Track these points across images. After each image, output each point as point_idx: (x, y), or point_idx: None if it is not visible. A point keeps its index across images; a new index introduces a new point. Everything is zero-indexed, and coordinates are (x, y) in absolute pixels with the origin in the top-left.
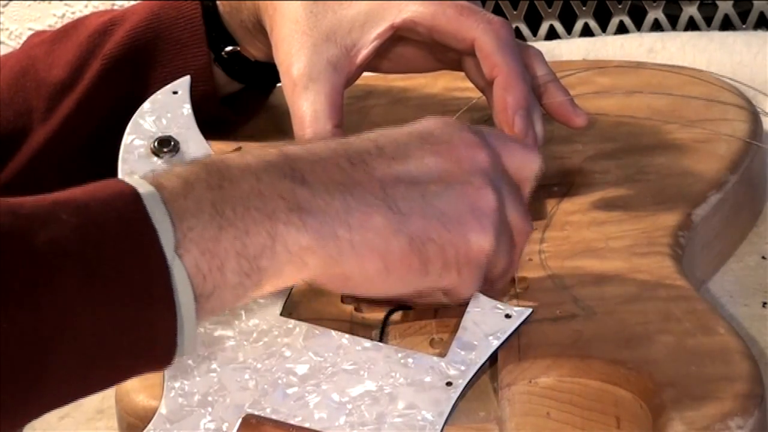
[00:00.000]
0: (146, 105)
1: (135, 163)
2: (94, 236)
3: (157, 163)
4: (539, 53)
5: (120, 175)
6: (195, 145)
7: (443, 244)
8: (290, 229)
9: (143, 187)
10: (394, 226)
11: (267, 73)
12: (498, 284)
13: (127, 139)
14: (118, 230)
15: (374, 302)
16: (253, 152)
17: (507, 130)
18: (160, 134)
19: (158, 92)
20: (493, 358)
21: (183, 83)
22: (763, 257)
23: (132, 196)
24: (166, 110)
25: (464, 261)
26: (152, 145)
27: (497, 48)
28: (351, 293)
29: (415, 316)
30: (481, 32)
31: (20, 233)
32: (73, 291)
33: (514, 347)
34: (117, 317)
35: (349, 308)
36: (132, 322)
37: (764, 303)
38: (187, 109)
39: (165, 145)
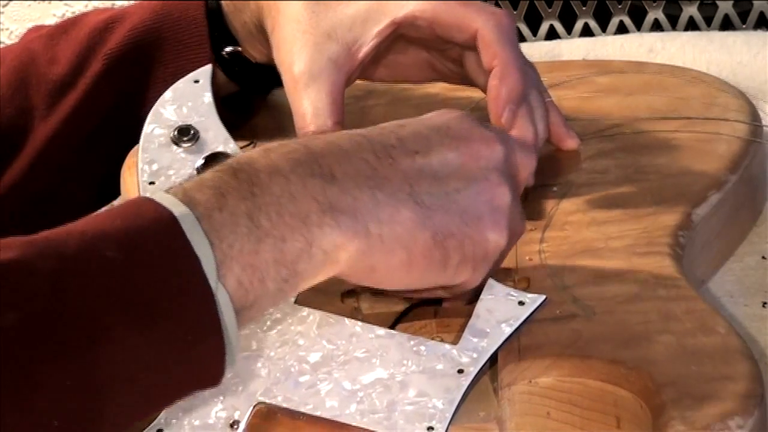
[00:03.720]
0: (168, 94)
1: (155, 152)
2: (141, 275)
3: (177, 152)
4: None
5: (140, 165)
6: (215, 133)
7: (463, 239)
8: (325, 230)
9: (177, 208)
10: (420, 220)
11: (266, 76)
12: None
13: (147, 128)
14: (163, 265)
15: (373, 299)
16: (277, 150)
17: (494, 119)
18: (180, 123)
19: (179, 81)
20: (493, 358)
21: (205, 72)
22: (763, 257)
23: (170, 222)
24: (187, 99)
25: (480, 257)
26: (172, 134)
27: (498, 38)
28: (370, 285)
29: (415, 316)
30: (483, 22)
31: (68, 277)
32: (126, 338)
33: (514, 347)
34: (168, 357)
35: (349, 308)
36: (183, 359)
37: (764, 303)
38: (208, 97)
39: (185, 134)
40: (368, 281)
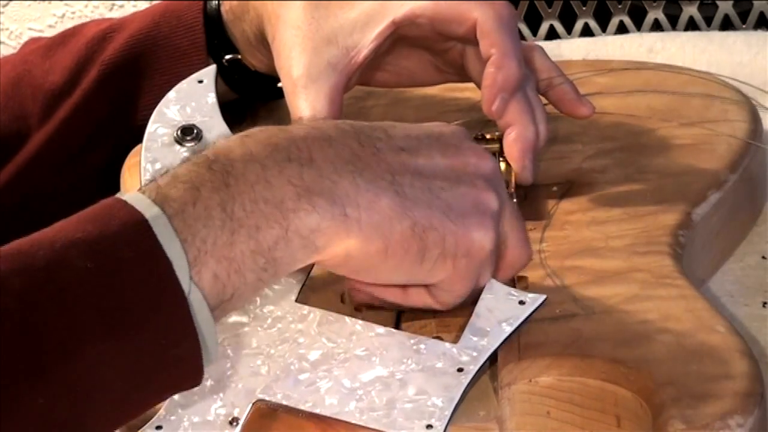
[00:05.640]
0: (171, 94)
1: (158, 151)
2: (113, 283)
3: (180, 151)
4: (541, 49)
5: (143, 164)
6: (218, 133)
7: (444, 234)
8: (300, 215)
9: (149, 210)
10: (400, 210)
11: (265, 86)
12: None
13: (151, 127)
14: (134, 271)
15: (373, 306)
16: (255, 136)
17: (486, 108)
18: (183, 123)
19: (183, 81)
20: (493, 357)
21: (209, 72)
22: (763, 257)
23: (140, 226)
24: (191, 99)
25: (462, 254)
26: (175, 134)
27: (497, 27)
28: (348, 274)
29: (415, 315)
30: (481, 12)
31: (38, 291)
32: (101, 348)
33: (514, 346)
34: (145, 363)
35: (349, 307)
36: (160, 363)
37: (764, 303)
38: (211, 97)
39: (188, 134)
40: (345, 269)
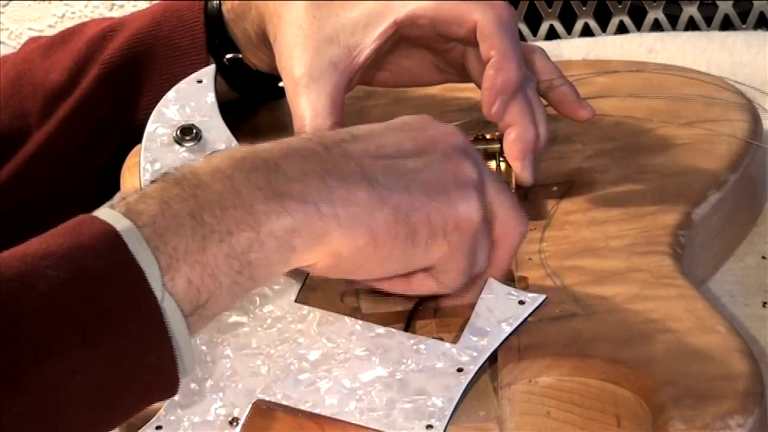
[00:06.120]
0: (170, 94)
1: (157, 151)
2: (84, 292)
3: (179, 151)
4: (542, 50)
5: (142, 164)
6: (217, 133)
7: (429, 212)
8: (271, 216)
9: (120, 223)
10: (377, 199)
11: (266, 85)
12: (474, 285)
13: (150, 127)
14: (106, 280)
15: (374, 299)
16: (221, 153)
17: (485, 110)
18: (183, 123)
19: (182, 81)
20: (493, 357)
21: (208, 72)
22: (763, 257)
23: (111, 237)
24: (190, 99)
25: (452, 228)
26: (175, 134)
27: (497, 29)
28: (346, 275)
29: (416, 316)
30: (482, 14)
31: (9, 300)
32: (73, 357)
33: (514, 346)
34: (119, 373)
35: (349, 307)
36: (134, 372)
37: (764, 303)
38: (210, 97)
39: (187, 134)
40: (338, 270)
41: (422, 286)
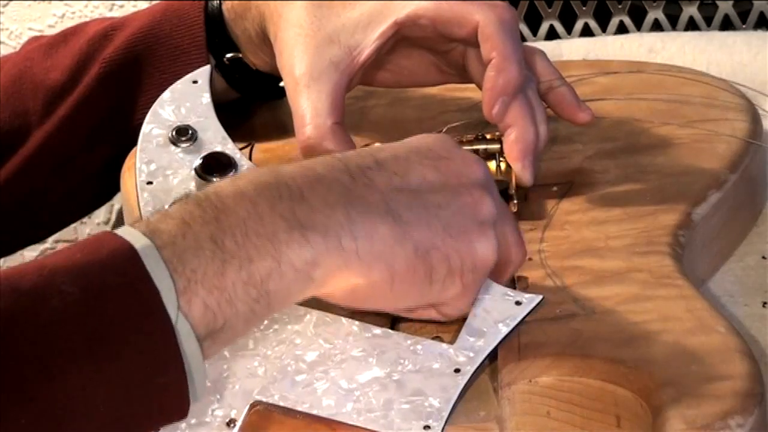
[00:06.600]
0: (166, 94)
1: (153, 152)
2: (98, 309)
3: (175, 152)
4: (542, 52)
5: (138, 165)
6: (213, 134)
7: (448, 251)
8: (293, 247)
9: (139, 241)
10: (399, 235)
11: (267, 85)
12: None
13: (146, 128)
14: (120, 298)
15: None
16: (246, 176)
17: (486, 111)
18: (178, 123)
19: (178, 82)
20: (493, 357)
21: (203, 73)
22: (763, 257)
23: (129, 254)
24: (186, 99)
25: (469, 269)
26: (170, 135)
27: (498, 30)
28: (358, 306)
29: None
30: (483, 15)
31: (24, 313)
32: (83, 374)
33: (514, 347)
34: (128, 392)
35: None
36: (144, 392)
37: (764, 303)
38: (206, 98)
39: (183, 134)
40: (351, 302)
41: (424, 314)
